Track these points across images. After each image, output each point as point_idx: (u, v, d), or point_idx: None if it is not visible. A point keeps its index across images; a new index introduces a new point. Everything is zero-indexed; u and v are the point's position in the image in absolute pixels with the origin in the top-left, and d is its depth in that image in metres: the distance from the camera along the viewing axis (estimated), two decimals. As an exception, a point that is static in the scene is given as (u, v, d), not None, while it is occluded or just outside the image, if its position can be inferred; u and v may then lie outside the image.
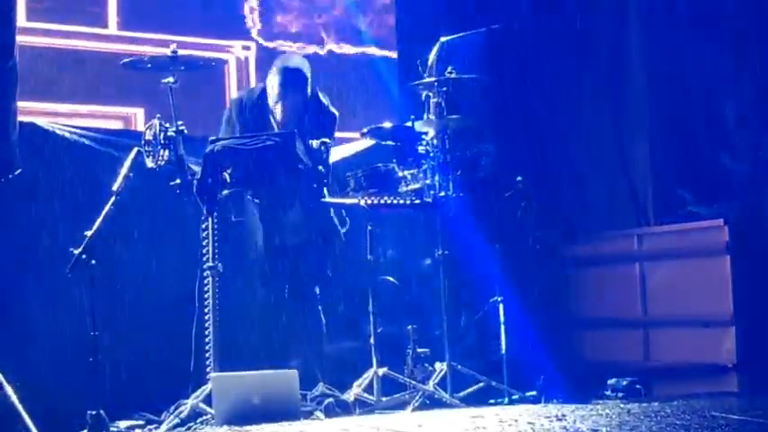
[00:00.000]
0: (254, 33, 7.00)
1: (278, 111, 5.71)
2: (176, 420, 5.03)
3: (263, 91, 5.79)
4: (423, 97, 5.85)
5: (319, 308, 5.76)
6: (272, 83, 5.73)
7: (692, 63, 7.18)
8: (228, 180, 5.33)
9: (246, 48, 6.89)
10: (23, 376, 4.88)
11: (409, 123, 5.77)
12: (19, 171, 4.89)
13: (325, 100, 5.85)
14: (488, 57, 6.60)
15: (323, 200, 5.54)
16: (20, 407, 4.63)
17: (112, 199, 5.05)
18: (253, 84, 6.79)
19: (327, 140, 5.57)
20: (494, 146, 6.08)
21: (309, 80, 5.72)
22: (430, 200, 5.66)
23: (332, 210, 5.72)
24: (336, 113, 5.87)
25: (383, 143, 5.83)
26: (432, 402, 5.51)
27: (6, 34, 4.87)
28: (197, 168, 5.33)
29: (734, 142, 7.00)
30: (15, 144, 4.86)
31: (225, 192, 5.31)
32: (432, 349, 5.72)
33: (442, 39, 6.04)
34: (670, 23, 7.13)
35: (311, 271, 5.72)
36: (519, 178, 5.98)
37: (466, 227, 6.05)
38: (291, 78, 5.67)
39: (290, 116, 5.68)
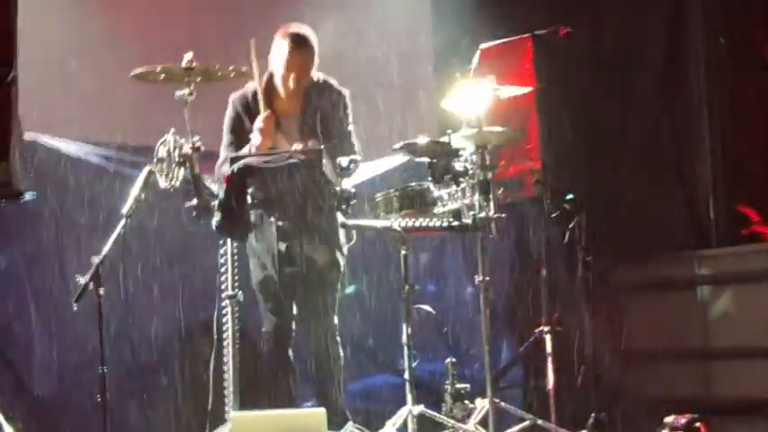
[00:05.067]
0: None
1: (288, 81, 5.47)
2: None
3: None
4: (461, 109, 5.79)
5: (338, 339, 5.54)
6: (280, 49, 5.48)
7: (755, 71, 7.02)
8: (250, 201, 5.27)
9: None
10: (26, 415, 4.96)
11: (446, 138, 5.56)
12: (22, 199, 4.76)
13: (333, 81, 5.64)
14: (533, 65, 6.41)
15: (353, 222, 5.35)
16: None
17: (122, 222, 4.96)
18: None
19: (357, 158, 5.38)
20: (540, 162, 6.01)
21: (317, 51, 5.53)
22: (469, 221, 5.42)
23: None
24: (346, 92, 5.62)
25: (417, 160, 5.65)
26: (472, 443, 5.37)
27: (5, 43, 4.68)
28: (215, 188, 5.21)
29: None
30: (17, 167, 4.68)
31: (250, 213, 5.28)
32: (472, 385, 5.53)
33: (482, 45, 6.04)
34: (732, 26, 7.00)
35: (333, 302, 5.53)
36: (567, 197, 5.87)
37: (509, 251, 6.13)
38: (301, 41, 5.47)
39: (300, 83, 5.47)
